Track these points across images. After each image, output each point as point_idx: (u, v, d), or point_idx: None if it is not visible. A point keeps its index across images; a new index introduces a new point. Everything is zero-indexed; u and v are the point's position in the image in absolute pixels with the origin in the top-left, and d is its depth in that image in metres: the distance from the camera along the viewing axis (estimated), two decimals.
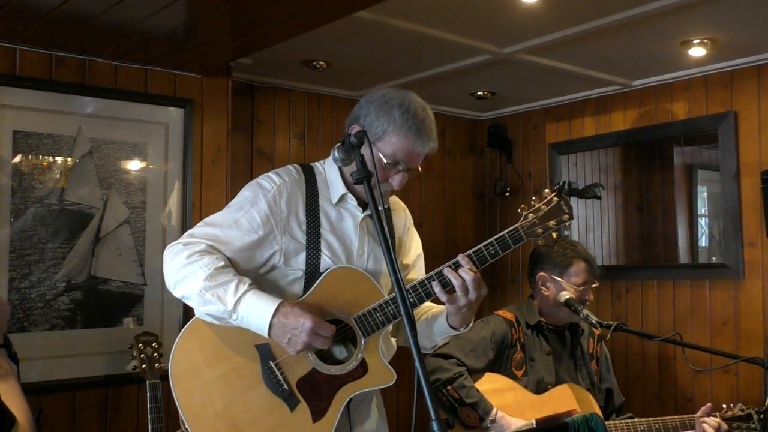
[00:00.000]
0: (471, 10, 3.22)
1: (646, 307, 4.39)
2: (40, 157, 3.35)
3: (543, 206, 2.19)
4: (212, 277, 2.00)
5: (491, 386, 2.92)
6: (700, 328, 4.13)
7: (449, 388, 2.84)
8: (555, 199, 2.20)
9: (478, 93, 4.65)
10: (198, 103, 3.75)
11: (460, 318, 2.14)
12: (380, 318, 2.09)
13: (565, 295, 3.00)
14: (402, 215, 2.40)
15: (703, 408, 2.88)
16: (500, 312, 3.13)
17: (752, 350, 3.78)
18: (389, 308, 2.09)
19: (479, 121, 5.34)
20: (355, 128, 2.11)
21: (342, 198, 2.21)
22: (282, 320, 1.97)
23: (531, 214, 2.18)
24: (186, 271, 2.03)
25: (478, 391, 2.86)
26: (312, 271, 2.13)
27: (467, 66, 3.97)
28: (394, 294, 2.08)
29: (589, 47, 3.69)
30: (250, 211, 2.12)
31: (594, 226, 4.77)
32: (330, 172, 2.25)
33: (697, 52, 3.72)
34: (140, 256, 3.57)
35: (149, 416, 3.09)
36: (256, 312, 1.98)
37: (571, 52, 3.79)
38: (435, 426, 1.47)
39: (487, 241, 2.12)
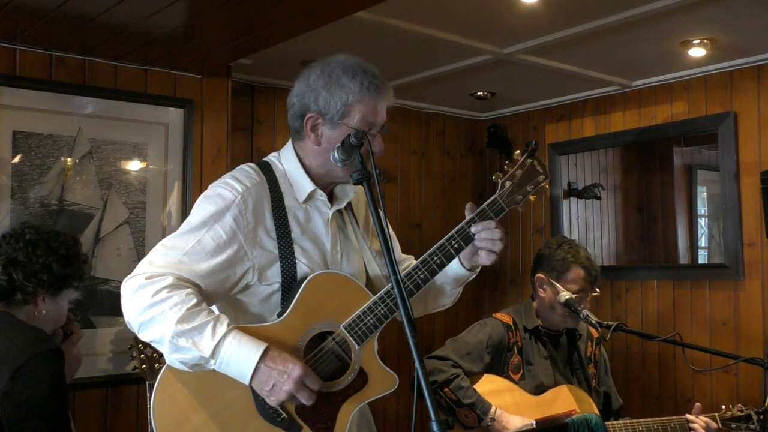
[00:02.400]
0: (471, 10, 3.22)
1: (646, 307, 4.39)
2: (40, 157, 3.35)
3: (518, 171, 2.08)
4: (185, 320, 1.77)
5: (489, 387, 2.91)
6: (700, 328, 4.13)
7: (446, 389, 2.83)
8: (528, 160, 2.09)
9: (478, 93, 4.65)
10: (198, 104, 3.75)
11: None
12: (371, 321, 1.94)
13: (565, 295, 2.97)
14: (361, 198, 2.25)
15: (694, 408, 2.89)
16: (498, 315, 3.12)
17: (752, 350, 3.77)
18: (379, 308, 1.95)
19: (479, 122, 5.34)
20: (313, 117, 2.03)
21: (310, 195, 2.05)
22: (269, 364, 1.78)
23: (507, 182, 2.07)
24: (152, 312, 1.80)
25: (475, 391, 2.86)
26: (289, 281, 1.96)
27: (467, 66, 3.97)
28: (381, 292, 1.98)
29: (589, 47, 3.69)
30: (214, 228, 1.90)
31: (594, 227, 4.77)
32: (290, 167, 2.09)
33: (696, 52, 3.72)
34: (140, 256, 3.56)
35: (149, 416, 3.08)
36: (238, 356, 1.78)
37: (571, 52, 3.79)
38: (435, 426, 1.46)
39: (469, 218, 2.02)
